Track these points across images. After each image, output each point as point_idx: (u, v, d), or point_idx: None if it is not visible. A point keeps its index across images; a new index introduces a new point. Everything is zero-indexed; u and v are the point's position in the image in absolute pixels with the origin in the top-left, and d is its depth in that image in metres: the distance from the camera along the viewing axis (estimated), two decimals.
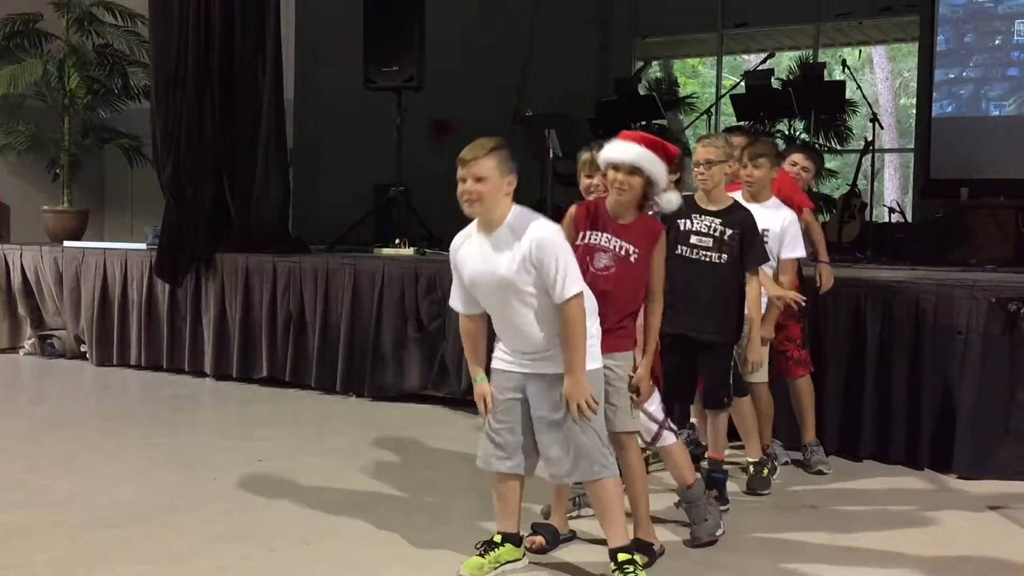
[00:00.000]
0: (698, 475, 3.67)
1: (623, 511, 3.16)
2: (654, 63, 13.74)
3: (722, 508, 3.77)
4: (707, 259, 3.80)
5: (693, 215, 3.81)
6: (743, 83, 9.88)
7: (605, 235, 3.27)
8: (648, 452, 3.85)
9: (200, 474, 4.34)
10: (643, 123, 10.29)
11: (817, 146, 10.30)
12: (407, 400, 6.00)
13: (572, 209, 3.41)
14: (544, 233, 3.00)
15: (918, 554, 3.48)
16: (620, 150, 3.28)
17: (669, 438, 3.52)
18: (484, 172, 3.02)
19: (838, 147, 11.61)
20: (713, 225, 3.81)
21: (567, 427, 3.02)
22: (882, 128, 10.36)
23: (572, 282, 2.98)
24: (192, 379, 6.75)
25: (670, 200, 3.38)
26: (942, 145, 9.94)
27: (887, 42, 15.49)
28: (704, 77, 17.52)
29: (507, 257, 3.00)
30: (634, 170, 3.23)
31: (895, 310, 4.76)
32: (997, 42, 9.55)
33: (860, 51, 14.87)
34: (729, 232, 3.80)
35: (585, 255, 3.24)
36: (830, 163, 12.02)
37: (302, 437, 5.15)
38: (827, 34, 12.33)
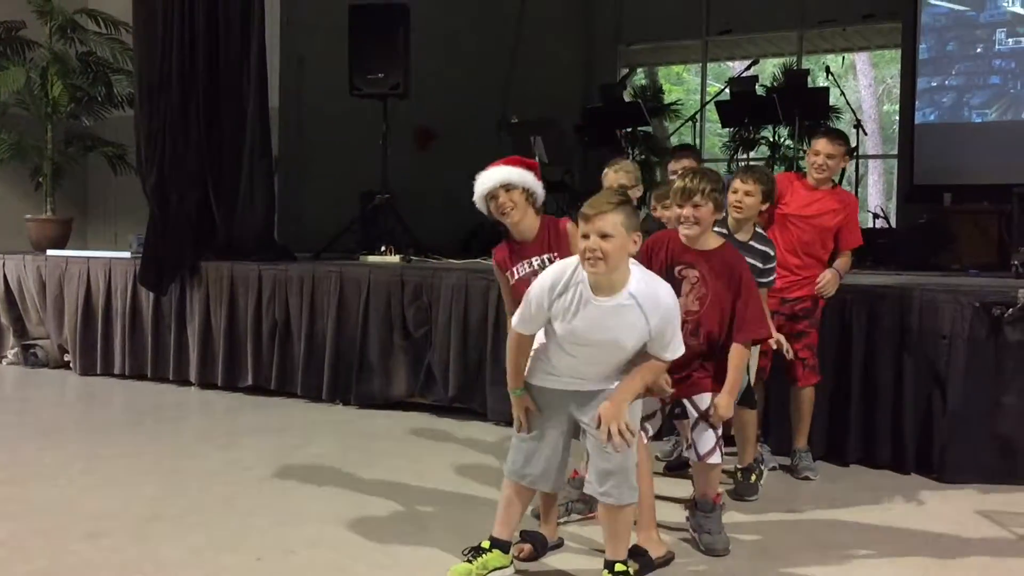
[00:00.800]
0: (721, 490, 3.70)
1: (631, 530, 3.16)
2: (639, 70, 13.79)
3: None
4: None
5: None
6: (728, 90, 9.93)
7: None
8: None
9: (185, 483, 4.32)
10: (628, 129, 10.32)
11: (801, 152, 10.36)
12: (393, 408, 5.98)
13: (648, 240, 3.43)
14: (670, 303, 2.94)
15: (903, 558, 3.49)
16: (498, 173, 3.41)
17: (718, 458, 3.50)
18: (609, 228, 2.80)
19: None
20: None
21: (604, 444, 2.97)
22: (866, 134, 10.44)
23: (679, 345, 2.98)
24: (177, 388, 6.71)
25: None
26: (925, 151, 10.02)
27: (870, 49, 15.61)
28: (689, 84, 17.61)
29: (628, 326, 2.89)
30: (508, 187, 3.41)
31: (880, 315, 4.78)
32: (979, 50, 9.64)
33: (843, 58, 14.96)
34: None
35: None
36: None
37: (288, 445, 5.12)
38: (811, 41, 12.41)
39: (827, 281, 4.53)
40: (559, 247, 3.43)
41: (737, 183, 3.97)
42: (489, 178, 3.43)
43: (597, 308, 2.89)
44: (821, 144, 4.50)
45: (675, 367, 3.24)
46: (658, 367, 3.04)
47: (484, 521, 3.76)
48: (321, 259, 7.14)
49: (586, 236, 2.83)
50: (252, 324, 6.47)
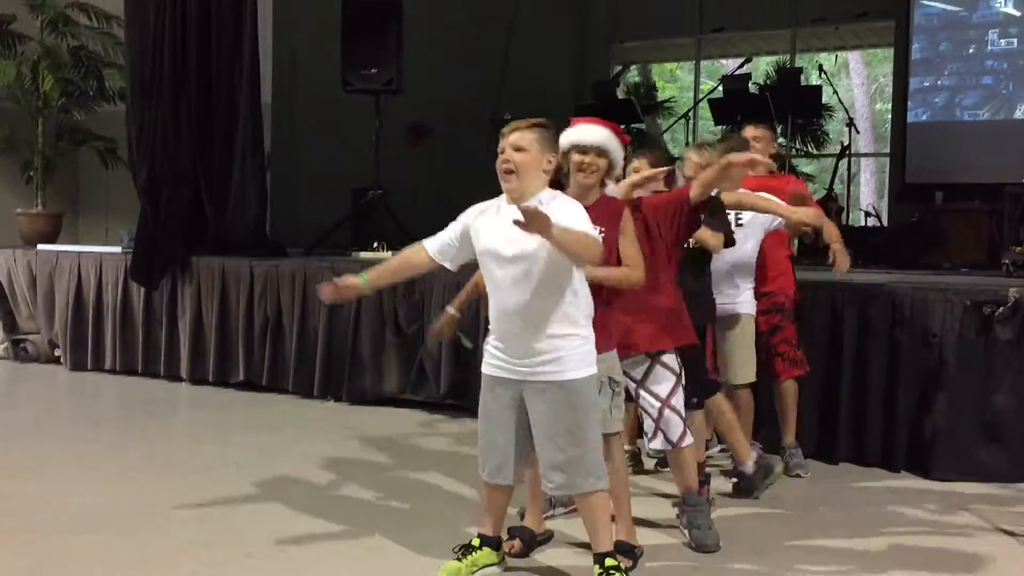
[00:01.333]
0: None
1: (610, 519, 3.16)
2: (632, 67, 13.79)
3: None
4: None
5: None
6: (721, 87, 9.92)
7: None
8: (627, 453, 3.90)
9: (176, 479, 4.31)
10: (622, 127, 10.30)
11: (794, 151, 10.38)
12: (385, 404, 5.98)
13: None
14: (575, 204, 3.00)
15: (893, 556, 3.50)
16: (589, 132, 3.28)
17: (689, 439, 3.51)
18: (524, 143, 3.01)
19: (815, 151, 11.70)
20: None
21: (562, 438, 2.97)
22: (858, 133, 10.46)
23: (591, 231, 2.94)
24: (168, 384, 6.69)
25: (613, 190, 3.40)
26: (917, 150, 10.03)
27: (863, 48, 15.63)
28: (682, 81, 17.59)
29: None
30: (601, 152, 3.25)
31: (871, 313, 4.79)
32: (971, 51, 9.65)
33: (836, 56, 14.98)
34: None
35: None
36: (807, 167, 12.11)
37: (279, 442, 5.12)
38: (804, 39, 12.40)
39: (837, 258, 4.30)
40: (609, 224, 3.24)
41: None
42: (590, 133, 3.30)
43: (508, 213, 2.95)
44: (748, 130, 4.63)
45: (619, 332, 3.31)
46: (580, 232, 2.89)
47: (475, 518, 3.76)
48: (313, 255, 7.12)
49: (502, 151, 3.03)
50: (244, 320, 6.46)
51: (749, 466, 4.16)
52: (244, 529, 3.64)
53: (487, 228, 3.08)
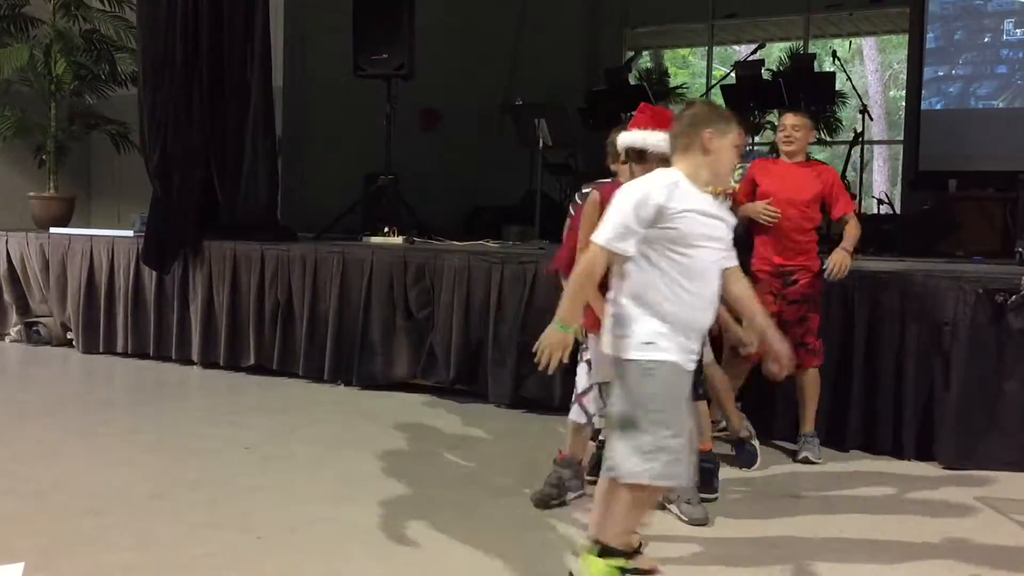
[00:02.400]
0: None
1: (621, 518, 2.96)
2: (644, 53, 13.72)
3: (710, 497, 3.81)
4: None
5: None
6: (733, 74, 9.86)
7: None
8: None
9: (186, 461, 4.33)
10: (631, 114, 10.25)
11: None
12: (395, 389, 5.99)
13: (595, 194, 3.50)
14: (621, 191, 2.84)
15: (901, 543, 3.49)
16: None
17: (574, 413, 3.77)
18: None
19: (827, 138, 11.63)
20: None
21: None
22: (871, 120, 10.39)
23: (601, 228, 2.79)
24: (179, 367, 6.72)
25: None
26: (931, 137, 9.97)
27: (877, 34, 15.52)
28: (695, 67, 17.52)
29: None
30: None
31: (883, 301, 4.77)
32: (987, 40, 9.56)
33: (850, 43, 14.87)
34: None
35: None
36: (819, 154, 12.05)
37: (289, 425, 5.14)
38: (817, 25, 12.33)
39: (834, 265, 4.49)
40: None
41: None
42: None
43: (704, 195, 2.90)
44: (787, 118, 4.71)
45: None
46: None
47: (485, 502, 3.79)
48: (324, 240, 7.12)
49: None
50: (254, 304, 6.47)
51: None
52: (254, 511, 3.65)
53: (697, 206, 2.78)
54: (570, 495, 3.81)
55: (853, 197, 8.81)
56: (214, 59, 6.92)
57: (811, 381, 4.59)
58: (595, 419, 3.74)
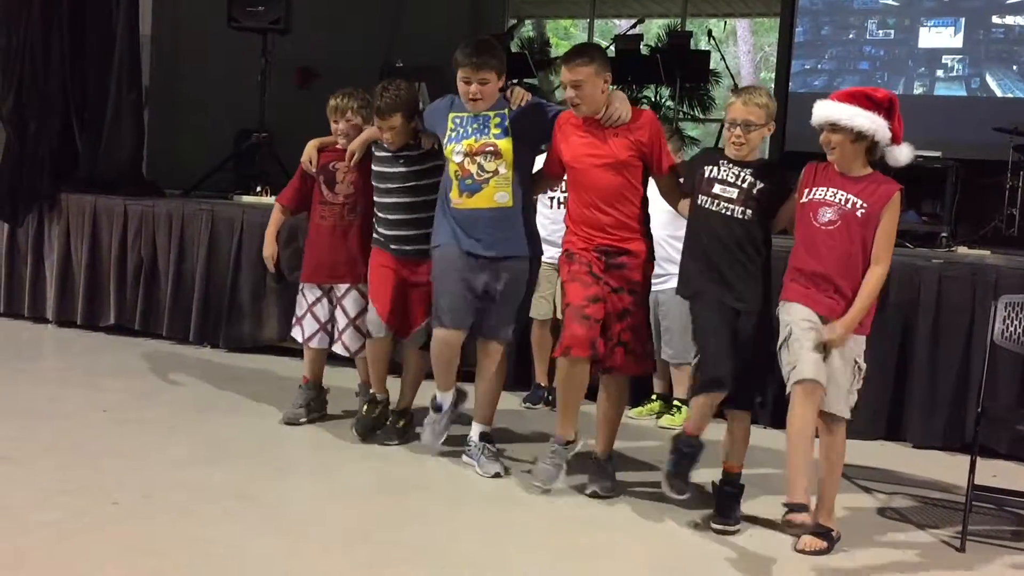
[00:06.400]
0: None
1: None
2: (527, 22, 13.72)
3: (730, 529, 3.38)
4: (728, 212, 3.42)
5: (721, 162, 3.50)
6: (613, 47, 9.97)
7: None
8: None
9: (38, 425, 4.14)
10: (515, 81, 10.27)
11: (681, 114, 10.56)
12: (264, 352, 5.87)
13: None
14: None
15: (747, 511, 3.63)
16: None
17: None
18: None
19: (701, 116, 11.95)
20: (742, 175, 3.45)
21: None
22: None
23: None
24: (32, 325, 6.42)
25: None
26: (798, 119, 10.30)
27: (751, 16, 15.94)
28: (576, 39, 17.62)
29: None
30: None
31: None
32: (851, 36, 9.96)
33: (725, 23, 15.24)
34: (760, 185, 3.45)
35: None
36: (693, 131, 12.34)
37: (150, 387, 4.97)
38: (695, 4, 12.57)
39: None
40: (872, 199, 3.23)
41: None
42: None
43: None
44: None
45: None
46: None
47: (344, 463, 3.76)
48: (192, 197, 6.90)
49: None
50: (116, 261, 6.24)
51: None
52: (109, 476, 3.53)
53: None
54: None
55: None
56: (76, 2, 6.58)
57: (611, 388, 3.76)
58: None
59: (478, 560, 3.02)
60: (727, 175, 3.46)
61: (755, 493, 3.59)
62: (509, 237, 3.75)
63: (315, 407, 4.47)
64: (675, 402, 4.80)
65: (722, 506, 3.42)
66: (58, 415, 4.30)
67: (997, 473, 4.14)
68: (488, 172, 3.70)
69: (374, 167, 4.14)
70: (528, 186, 3.83)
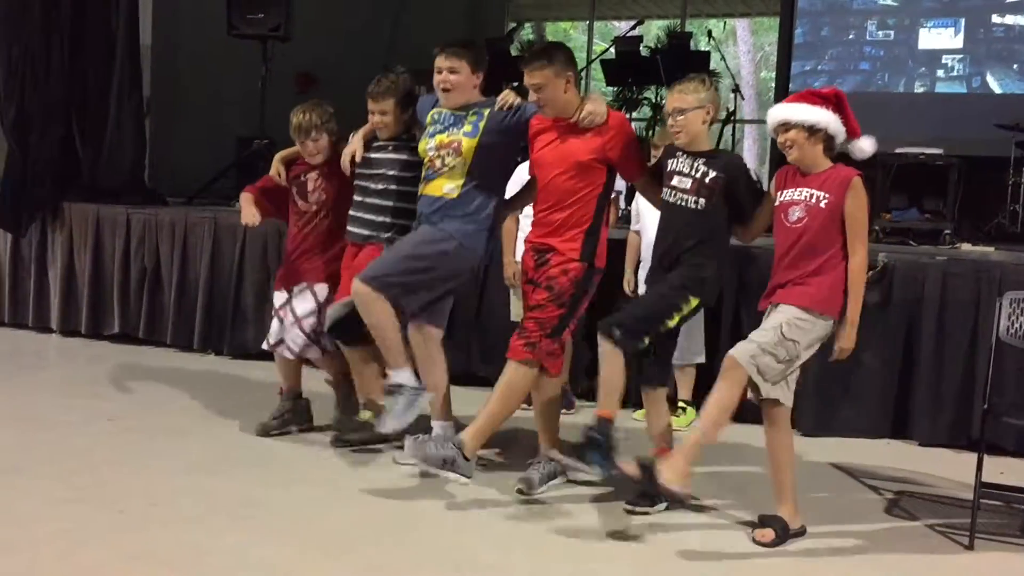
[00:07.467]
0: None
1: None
2: (527, 25, 13.73)
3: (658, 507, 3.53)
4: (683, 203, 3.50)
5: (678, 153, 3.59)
6: (613, 49, 9.97)
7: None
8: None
9: (44, 434, 4.14)
10: (516, 84, 10.27)
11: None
12: (268, 358, 5.84)
13: None
14: None
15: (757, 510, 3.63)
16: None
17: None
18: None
19: None
20: (696, 165, 3.51)
21: None
22: (743, 99, 10.67)
23: None
24: (36, 335, 6.43)
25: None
26: None
27: (751, 15, 15.93)
28: (576, 41, 17.60)
29: None
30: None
31: (743, 276, 4.94)
32: (851, 37, 9.95)
33: (724, 23, 15.24)
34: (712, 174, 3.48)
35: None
36: None
37: (155, 396, 4.98)
38: (694, 4, 12.57)
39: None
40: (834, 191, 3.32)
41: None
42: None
43: None
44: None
45: None
46: None
47: (355, 468, 3.76)
48: (194, 205, 6.90)
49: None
50: (119, 270, 6.25)
51: None
52: (115, 485, 3.53)
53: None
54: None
55: None
56: (76, 9, 6.60)
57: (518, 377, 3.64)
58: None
59: (482, 564, 3.02)
60: (683, 166, 3.55)
61: (764, 500, 3.59)
62: (440, 223, 3.75)
63: (292, 419, 4.36)
64: (680, 403, 4.79)
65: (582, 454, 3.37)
66: (63, 424, 4.30)
67: (1004, 470, 4.13)
68: (447, 166, 3.77)
69: (365, 155, 4.12)
70: (492, 186, 3.82)
